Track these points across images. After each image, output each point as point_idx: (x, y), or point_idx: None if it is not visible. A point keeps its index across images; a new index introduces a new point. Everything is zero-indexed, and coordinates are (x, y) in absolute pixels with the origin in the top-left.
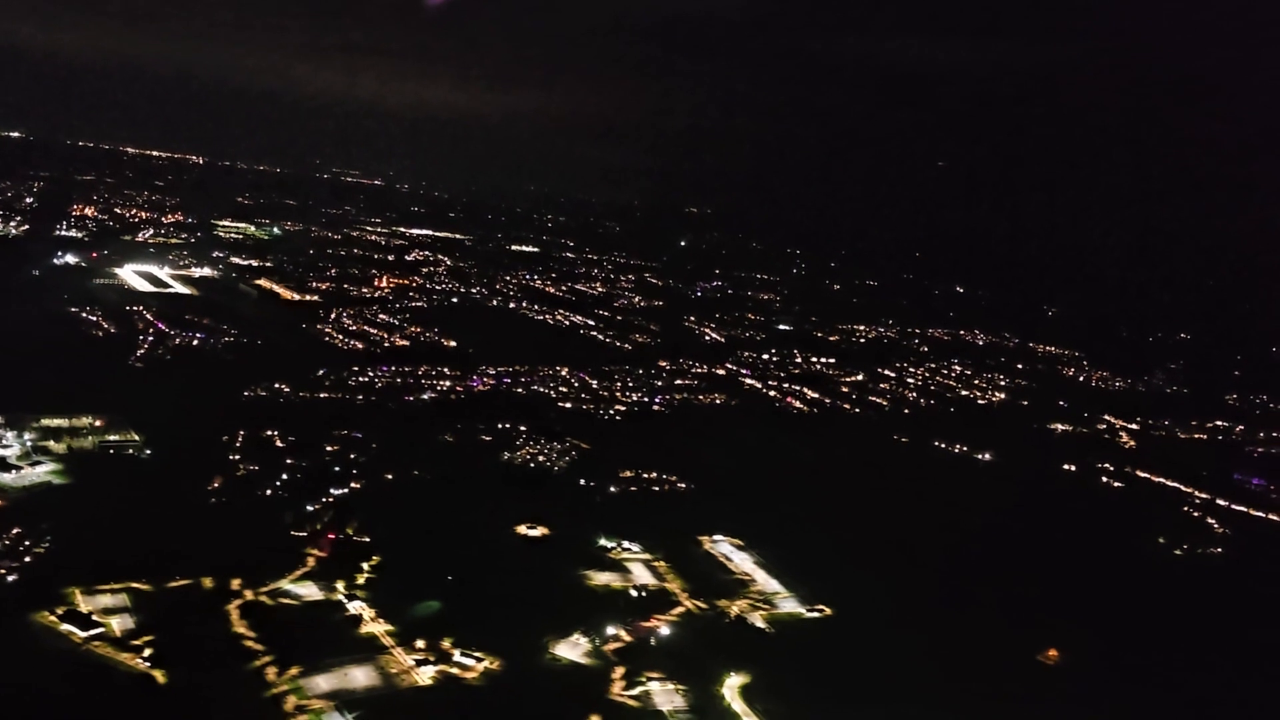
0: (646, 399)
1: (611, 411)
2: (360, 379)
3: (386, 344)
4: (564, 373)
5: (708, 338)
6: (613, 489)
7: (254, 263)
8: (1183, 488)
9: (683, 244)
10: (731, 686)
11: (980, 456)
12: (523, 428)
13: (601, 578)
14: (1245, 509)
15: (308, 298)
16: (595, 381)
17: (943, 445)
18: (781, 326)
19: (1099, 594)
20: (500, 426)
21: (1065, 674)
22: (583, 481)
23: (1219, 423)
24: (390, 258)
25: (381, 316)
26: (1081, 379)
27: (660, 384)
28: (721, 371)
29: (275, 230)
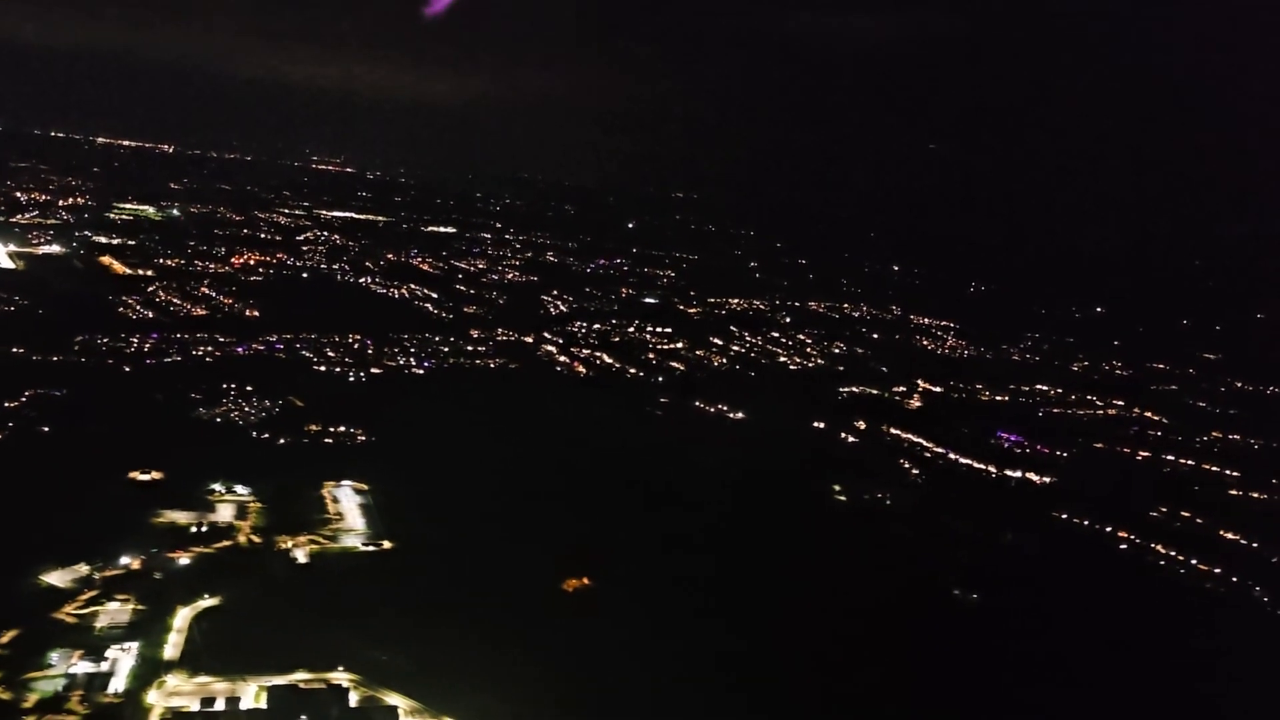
0: (414, 363)
1: (363, 375)
2: (118, 345)
3: (182, 314)
4: (351, 339)
5: (553, 309)
6: (282, 440)
7: (115, 241)
8: (924, 442)
9: (630, 226)
10: (195, 608)
11: (733, 415)
12: (249, 388)
13: (174, 516)
14: (968, 461)
15: (140, 272)
16: (373, 348)
17: (701, 405)
18: (647, 300)
19: (704, 535)
20: (223, 386)
21: (577, 602)
22: (256, 434)
23: (1039, 386)
24: (277, 237)
25: (203, 290)
26: (931, 348)
27: (446, 350)
28: (529, 339)
29: (174, 212)
